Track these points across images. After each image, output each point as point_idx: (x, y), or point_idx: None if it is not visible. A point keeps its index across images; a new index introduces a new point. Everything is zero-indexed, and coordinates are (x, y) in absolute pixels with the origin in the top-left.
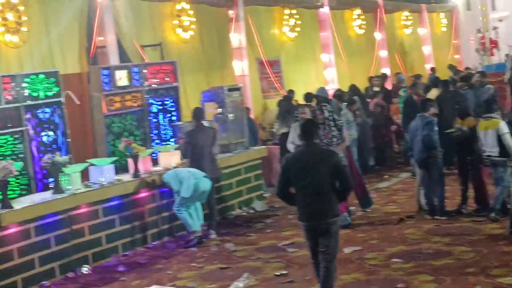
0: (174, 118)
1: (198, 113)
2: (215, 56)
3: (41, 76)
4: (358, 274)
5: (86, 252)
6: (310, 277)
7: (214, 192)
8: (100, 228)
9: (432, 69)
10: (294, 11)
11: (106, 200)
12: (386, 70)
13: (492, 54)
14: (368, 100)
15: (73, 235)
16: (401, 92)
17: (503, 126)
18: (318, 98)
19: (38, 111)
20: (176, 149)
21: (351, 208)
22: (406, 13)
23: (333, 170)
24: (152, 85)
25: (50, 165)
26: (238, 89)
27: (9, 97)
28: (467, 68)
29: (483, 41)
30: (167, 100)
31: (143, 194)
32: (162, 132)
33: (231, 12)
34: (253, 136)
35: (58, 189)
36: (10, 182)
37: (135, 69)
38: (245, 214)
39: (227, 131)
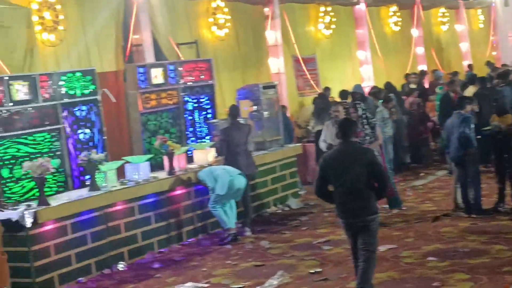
0: (209, 115)
1: (234, 111)
2: (250, 54)
3: (78, 74)
4: (393, 273)
5: (122, 249)
6: (345, 275)
7: (249, 189)
8: (135, 225)
9: (469, 66)
10: (329, 8)
11: (141, 198)
12: (423, 67)
13: None
14: (404, 97)
15: (109, 232)
16: (437, 90)
17: None
18: (354, 95)
19: (74, 109)
20: (211, 146)
21: (384, 206)
22: (443, 9)
23: (368, 167)
24: (188, 83)
25: (86, 162)
26: (273, 86)
27: (47, 95)
28: (504, 65)
29: None
30: (203, 98)
31: (178, 192)
32: (197, 129)
33: (266, 10)
34: (289, 134)
35: (94, 186)
36: (47, 179)
37: (171, 67)
38: (280, 211)
39: (262, 129)
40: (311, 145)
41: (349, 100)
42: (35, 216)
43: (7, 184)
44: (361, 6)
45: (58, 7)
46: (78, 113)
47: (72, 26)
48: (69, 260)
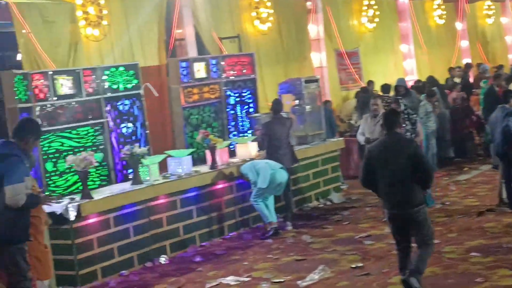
0: (251, 110)
1: (276, 105)
2: (293, 48)
3: (121, 68)
4: (436, 268)
5: (164, 242)
6: (386, 270)
7: (291, 183)
8: (177, 218)
9: None
10: (372, 2)
11: (183, 191)
12: (467, 61)
13: None
14: (447, 91)
15: (151, 226)
16: (482, 83)
17: None
18: (398, 88)
19: (118, 103)
20: (253, 140)
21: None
22: (488, 2)
23: (412, 159)
24: (230, 77)
25: (129, 156)
26: (315, 80)
27: (90, 90)
28: None
29: None
30: (245, 92)
31: (220, 186)
32: (239, 123)
33: (309, 4)
34: (331, 128)
35: (137, 180)
36: (91, 173)
37: (213, 61)
38: (322, 206)
39: (304, 123)
40: (353, 139)
41: (392, 94)
42: (79, 210)
43: (51, 178)
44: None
45: (102, 2)
46: (121, 107)
47: (115, 21)
48: (112, 253)
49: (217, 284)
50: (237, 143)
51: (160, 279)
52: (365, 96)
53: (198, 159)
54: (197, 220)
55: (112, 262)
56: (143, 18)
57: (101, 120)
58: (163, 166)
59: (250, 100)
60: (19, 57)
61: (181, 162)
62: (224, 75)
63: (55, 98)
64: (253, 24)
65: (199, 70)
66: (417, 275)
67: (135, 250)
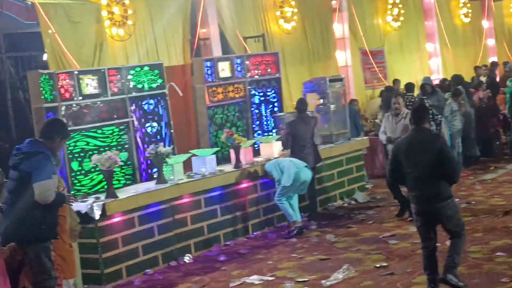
0: (275, 109)
1: (301, 104)
2: (317, 47)
3: (146, 68)
4: (461, 268)
5: (188, 241)
6: (410, 270)
7: (315, 183)
8: (202, 218)
9: None
10: (397, 0)
11: (208, 190)
12: (494, 59)
13: None
14: (472, 90)
15: (176, 225)
16: (508, 82)
17: None
18: (425, 87)
19: (142, 103)
20: (277, 139)
21: None
22: None
23: (438, 154)
24: (254, 76)
25: (153, 155)
26: (340, 79)
27: (115, 89)
28: None
29: None
30: (269, 91)
31: (244, 185)
32: (263, 123)
33: (334, 2)
34: (356, 127)
35: (161, 179)
36: (115, 172)
37: (238, 61)
38: (346, 205)
39: (329, 122)
40: (378, 139)
41: (417, 92)
42: (104, 209)
43: (77, 177)
44: None
45: (127, 2)
46: (146, 107)
47: (140, 21)
48: (136, 252)
49: (241, 283)
50: (261, 142)
51: (184, 278)
52: (389, 95)
53: (223, 158)
54: (222, 219)
55: (136, 261)
56: (167, 17)
57: (126, 120)
58: (187, 165)
59: (275, 99)
60: (45, 57)
61: (205, 161)
62: (248, 75)
63: (81, 98)
64: (278, 23)
65: (224, 69)
66: (453, 270)
67: (160, 249)
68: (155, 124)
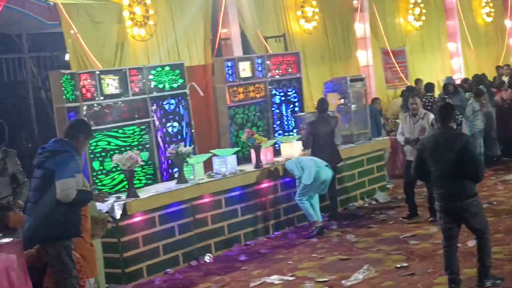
0: (296, 109)
1: (322, 104)
2: (338, 47)
3: (167, 68)
4: None
5: (208, 241)
6: (431, 270)
7: (336, 182)
8: (222, 217)
9: None
10: (419, 0)
11: (228, 190)
12: None
13: None
14: (494, 90)
15: (196, 224)
16: None
17: None
18: (447, 87)
19: (163, 103)
20: (298, 139)
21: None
22: None
23: (463, 153)
24: (275, 76)
25: (174, 155)
26: (361, 79)
27: (136, 89)
28: None
29: None
30: (290, 91)
31: (265, 185)
32: (284, 123)
33: (355, 2)
34: (377, 127)
35: (182, 179)
36: (136, 172)
37: (259, 61)
38: (367, 205)
39: (350, 122)
40: None
41: (439, 92)
42: (124, 208)
43: (98, 177)
44: None
45: (148, 2)
46: (166, 107)
47: (161, 21)
48: (157, 251)
49: (261, 283)
50: (282, 142)
51: (204, 277)
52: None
53: (243, 158)
54: (242, 219)
55: (157, 260)
56: (189, 17)
57: (147, 120)
58: (208, 165)
59: (296, 99)
60: (67, 57)
61: (226, 161)
62: (269, 74)
63: (102, 98)
64: (299, 23)
65: (245, 69)
66: (487, 272)
67: (180, 249)
68: (176, 124)
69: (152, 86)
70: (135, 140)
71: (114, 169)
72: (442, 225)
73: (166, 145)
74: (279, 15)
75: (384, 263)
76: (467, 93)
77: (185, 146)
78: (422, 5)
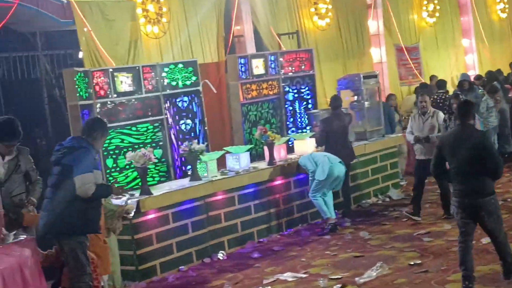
0: (310, 106)
1: (335, 101)
2: (352, 43)
3: (180, 65)
4: (496, 266)
5: (222, 238)
6: (445, 267)
7: (349, 180)
8: (235, 215)
9: None
10: None
11: (241, 187)
12: None
13: None
14: (508, 86)
15: (210, 222)
16: None
17: None
18: (463, 83)
19: (177, 100)
20: (311, 136)
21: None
22: None
23: (482, 150)
24: (288, 73)
25: (187, 152)
26: (374, 76)
27: (149, 87)
28: None
29: None
30: (303, 88)
31: (278, 182)
32: (298, 120)
33: None
34: (390, 124)
35: (195, 176)
36: (150, 169)
37: (272, 58)
38: (380, 202)
39: (363, 119)
40: None
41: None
42: (138, 205)
43: (112, 174)
44: None
45: None
46: (180, 104)
47: (175, 18)
48: (171, 248)
49: (274, 280)
50: (295, 139)
51: (218, 274)
52: (424, 92)
53: (256, 155)
54: (255, 216)
55: (171, 257)
56: (202, 15)
57: (160, 117)
58: (221, 162)
59: (309, 96)
60: (80, 55)
61: (239, 158)
62: (282, 71)
63: (115, 95)
64: (312, 20)
65: (258, 66)
66: (511, 267)
67: (194, 246)
68: (189, 121)
69: (165, 83)
70: (148, 137)
71: (127, 167)
72: (459, 221)
73: (179, 143)
74: (292, 12)
75: (398, 260)
76: (479, 90)
77: (198, 143)
78: (436, 1)
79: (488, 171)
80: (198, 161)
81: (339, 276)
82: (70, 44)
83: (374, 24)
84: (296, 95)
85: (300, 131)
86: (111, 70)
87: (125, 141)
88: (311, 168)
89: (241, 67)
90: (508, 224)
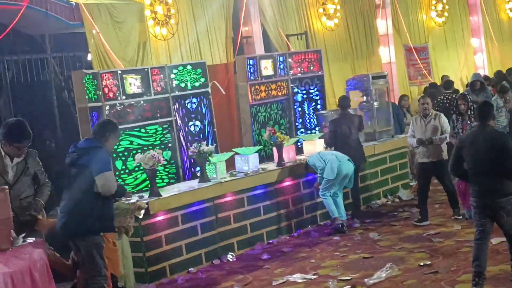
0: (318, 106)
1: (344, 102)
2: (360, 44)
3: (189, 67)
4: (505, 266)
5: (231, 239)
6: (455, 268)
7: (359, 180)
8: (245, 216)
9: None
10: None
11: (251, 189)
12: None
13: None
14: None
15: (219, 223)
16: None
17: None
18: (474, 83)
19: (185, 101)
20: (320, 137)
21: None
22: None
23: (500, 151)
24: (297, 74)
25: (196, 154)
26: (383, 76)
27: (158, 88)
28: None
29: None
30: (312, 89)
31: (287, 183)
32: (306, 120)
33: None
34: (400, 125)
35: (204, 178)
36: (159, 171)
37: (280, 58)
38: (390, 203)
39: (372, 119)
40: None
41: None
42: (147, 207)
43: (121, 176)
44: None
45: (170, 1)
46: (188, 106)
47: (183, 20)
48: (180, 250)
49: (283, 282)
50: (304, 140)
51: (227, 276)
52: (433, 92)
53: (265, 157)
54: (264, 217)
55: (180, 259)
56: (210, 16)
57: (169, 119)
58: (230, 163)
59: (318, 97)
60: (89, 57)
61: (248, 160)
62: (291, 72)
63: (124, 97)
64: (320, 21)
65: (266, 67)
66: None
67: (203, 248)
68: (198, 122)
69: (174, 85)
70: (157, 139)
71: (136, 169)
72: (477, 221)
73: (188, 144)
74: (301, 12)
75: (407, 261)
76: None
77: (207, 144)
78: (444, 1)
79: (507, 172)
80: (207, 162)
81: (349, 277)
82: (79, 46)
83: (383, 24)
84: (305, 96)
85: (309, 132)
86: (119, 72)
87: (134, 143)
88: (320, 165)
89: (250, 68)
90: None
